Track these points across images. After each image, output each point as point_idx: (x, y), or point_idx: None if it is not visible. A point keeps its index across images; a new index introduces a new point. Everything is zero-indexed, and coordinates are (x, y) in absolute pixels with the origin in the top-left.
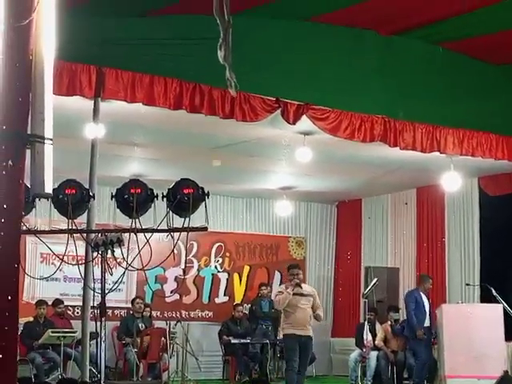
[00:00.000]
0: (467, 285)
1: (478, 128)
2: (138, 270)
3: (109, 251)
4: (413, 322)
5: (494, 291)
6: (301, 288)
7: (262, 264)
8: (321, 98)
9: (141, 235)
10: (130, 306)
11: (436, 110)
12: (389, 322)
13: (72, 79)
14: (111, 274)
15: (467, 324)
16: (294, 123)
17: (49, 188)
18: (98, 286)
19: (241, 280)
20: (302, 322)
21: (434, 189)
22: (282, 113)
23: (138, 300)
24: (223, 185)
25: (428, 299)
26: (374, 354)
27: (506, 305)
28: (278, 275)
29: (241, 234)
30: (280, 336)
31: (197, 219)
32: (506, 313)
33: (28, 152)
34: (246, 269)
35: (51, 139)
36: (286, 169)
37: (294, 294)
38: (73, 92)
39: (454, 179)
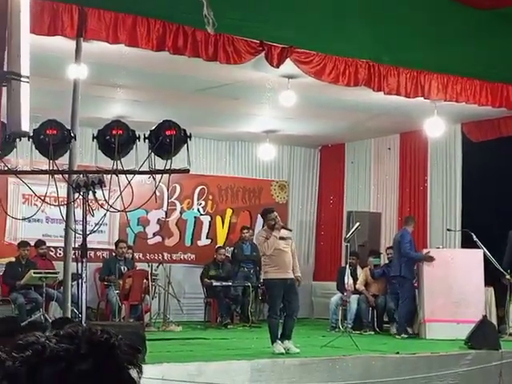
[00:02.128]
0: (448, 230)
1: (462, 74)
2: (119, 211)
3: (90, 193)
4: (416, 256)
5: (474, 237)
6: (279, 231)
7: (244, 207)
8: (305, 41)
9: (123, 177)
10: (112, 247)
11: (421, 55)
12: (369, 267)
13: (53, 19)
14: (93, 216)
15: (447, 269)
16: (277, 66)
17: (25, 126)
18: (79, 227)
19: (223, 223)
20: (288, 264)
21: (418, 134)
22: (266, 56)
23: (121, 244)
24: (206, 127)
25: None
26: (354, 298)
27: (486, 250)
28: (260, 219)
29: (224, 178)
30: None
31: (179, 162)
32: (485, 258)
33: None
34: (229, 212)
35: (28, 77)
36: (269, 112)
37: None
38: (54, 32)
39: (438, 125)
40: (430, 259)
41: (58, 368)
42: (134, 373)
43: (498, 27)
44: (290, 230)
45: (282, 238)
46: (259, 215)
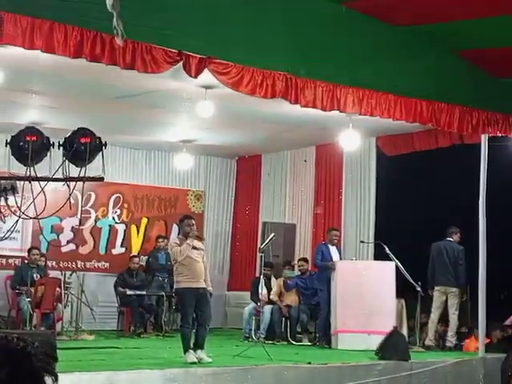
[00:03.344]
0: (362, 242)
1: (377, 88)
2: (32, 218)
3: (2, 199)
4: (321, 265)
5: (387, 249)
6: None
7: (160, 216)
8: (223, 52)
9: (36, 184)
10: (24, 254)
11: (337, 69)
12: (283, 278)
13: None
14: (4, 222)
15: (360, 280)
16: (195, 76)
17: None
18: None
19: (138, 232)
20: (199, 274)
21: (333, 147)
22: (184, 65)
23: (34, 251)
24: (123, 136)
25: (339, 252)
26: (268, 308)
27: (398, 262)
28: (175, 228)
29: (140, 186)
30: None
31: (95, 169)
32: (398, 270)
33: None
34: (144, 221)
35: None
36: (186, 122)
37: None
38: None
39: (353, 138)
40: (329, 268)
41: None
42: (49, 381)
43: (414, 43)
44: (202, 240)
45: (194, 248)
46: (175, 224)
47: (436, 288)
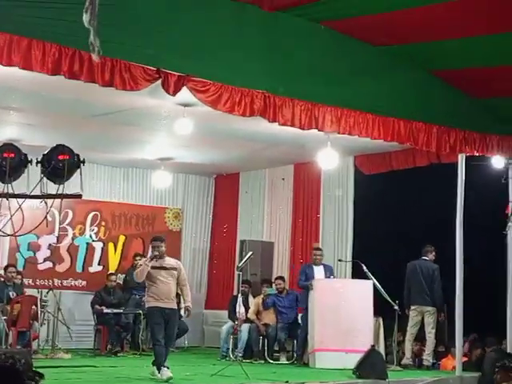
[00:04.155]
0: (339, 260)
1: (355, 107)
2: (8, 235)
3: None
4: (302, 285)
5: (364, 267)
6: (163, 260)
7: (137, 234)
8: (202, 70)
9: (13, 201)
10: (1, 272)
11: (316, 88)
12: (262, 296)
13: None
14: None
15: (338, 299)
16: (174, 94)
17: None
18: None
19: (116, 250)
20: (165, 294)
21: (311, 165)
22: (162, 83)
23: (10, 268)
24: (100, 153)
25: (326, 270)
26: (245, 327)
27: (375, 281)
28: None
29: (117, 204)
30: None
31: (72, 187)
32: (375, 289)
33: None
34: (122, 238)
35: None
36: (164, 139)
37: (154, 267)
38: None
39: (331, 157)
40: (307, 288)
41: None
42: None
43: (391, 63)
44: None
45: (162, 268)
46: None
47: (412, 307)
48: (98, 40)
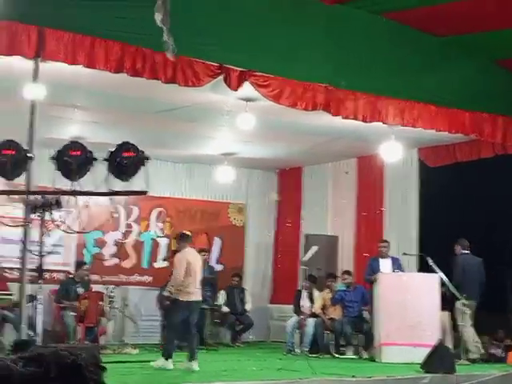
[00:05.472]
0: (404, 254)
1: (419, 99)
2: (75, 232)
3: (47, 213)
4: (366, 279)
5: (430, 261)
6: None
7: (202, 230)
8: (264, 64)
9: (80, 198)
10: (67, 269)
11: (378, 80)
12: (327, 290)
13: (12, 39)
14: (49, 237)
15: (404, 293)
16: (236, 89)
17: None
18: (33, 248)
19: None
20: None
21: (375, 158)
22: (224, 78)
23: (85, 266)
24: (164, 149)
25: (394, 262)
26: (311, 321)
27: (442, 274)
28: (217, 241)
29: (181, 200)
30: (218, 301)
31: (137, 184)
32: (443, 282)
33: None
34: None
35: None
36: (227, 135)
37: None
38: (12, 52)
39: (395, 149)
40: (371, 281)
41: None
42: None
43: (454, 54)
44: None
45: None
46: (216, 237)
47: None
48: (172, 38)
